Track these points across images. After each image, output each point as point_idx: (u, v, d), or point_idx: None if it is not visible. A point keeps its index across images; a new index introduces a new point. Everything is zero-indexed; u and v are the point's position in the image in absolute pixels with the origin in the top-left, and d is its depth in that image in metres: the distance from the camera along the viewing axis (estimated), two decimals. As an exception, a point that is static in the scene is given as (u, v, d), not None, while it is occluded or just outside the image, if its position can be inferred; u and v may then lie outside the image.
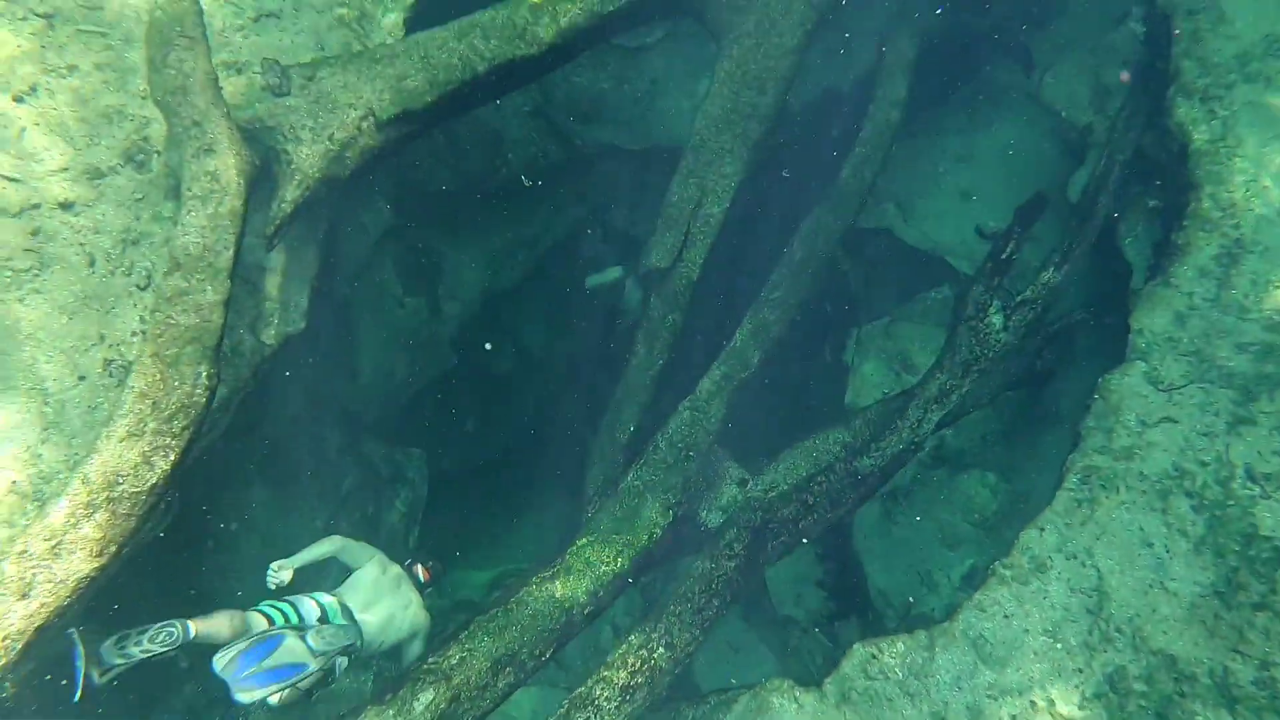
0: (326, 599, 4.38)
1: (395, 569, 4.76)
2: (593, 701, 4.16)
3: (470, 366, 8.34)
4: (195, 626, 3.75)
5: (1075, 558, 4.23)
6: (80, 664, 3.32)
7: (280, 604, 4.23)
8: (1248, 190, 4.75)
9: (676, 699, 4.85)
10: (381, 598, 4.61)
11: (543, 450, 8.70)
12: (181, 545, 5.07)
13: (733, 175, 5.13)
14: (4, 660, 2.85)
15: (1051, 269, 5.61)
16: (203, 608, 5.31)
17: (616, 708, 4.15)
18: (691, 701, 4.92)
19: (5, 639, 2.85)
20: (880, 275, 8.06)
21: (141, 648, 3.46)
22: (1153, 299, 4.87)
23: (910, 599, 6.47)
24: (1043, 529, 4.36)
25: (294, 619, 4.17)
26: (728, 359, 5.27)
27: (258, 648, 3.75)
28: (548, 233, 8.42)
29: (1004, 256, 5.65)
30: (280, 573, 4.31)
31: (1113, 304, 5.76)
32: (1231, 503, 4.12)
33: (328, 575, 5.08)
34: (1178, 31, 5.26)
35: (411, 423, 7.81)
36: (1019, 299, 5.58)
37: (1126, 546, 4.18)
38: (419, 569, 4.83)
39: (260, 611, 4.13)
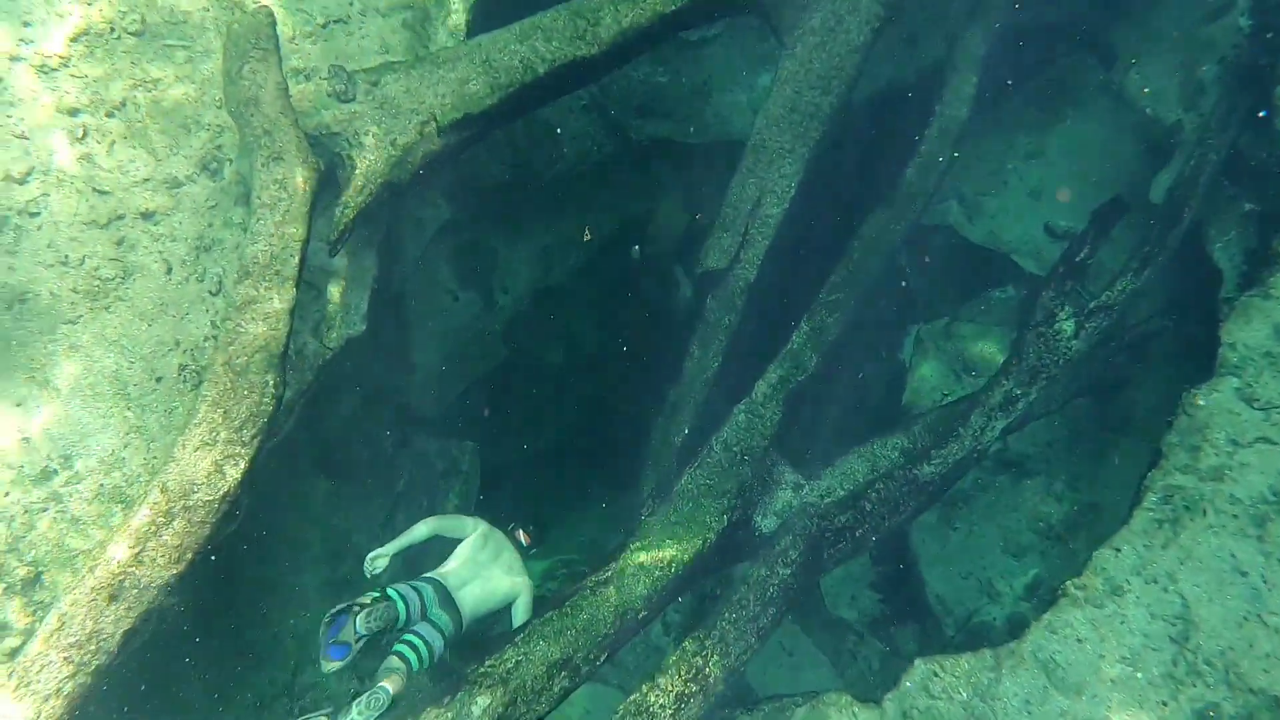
0: (424, 584, 4.57)
1: (497, 535, 5.00)
2: (647, 709, 4.15)
3: (522, 360, 8.39)
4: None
5: (1156, 582, 4.07)
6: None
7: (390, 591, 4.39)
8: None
9: (730, 704, 4.83)
10: (481, 570, 4.84)
11: (594, 443, 8.72)
12: (246, 539, 5.23)
13: (792, 175, 5.03)
14: (102, 662, 2.95)
15: (1130, 274, 5.39)
16: (265, 599, 5.49)
17: (671, 716, 4.13)
18: (746, 708, 4.89)
19: (100, 640, 2.94)
20: (940, 273, 7.85)
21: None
22: (1248, 310, 4.63)
23: (970, 608, 6.34)
24: (1119, 549, 4.21)
25: (398, 611, 4.30)
26: (784, 361, 5.18)
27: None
28: (601, 227, 8.39)
29: (1077, 260, 5.45)
30: (375, 561, 4.59)
31: (1196, 312, 5.53)
32: (1339, 532, 3.92)
33: (429, 553, 5.14)
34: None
35: (464, 416, 7.89)
36: (1093, 305, 5.37)
37: (1216, 574, 3.99)
38: (520, 534, 5.09)
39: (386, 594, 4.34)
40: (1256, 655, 3.77)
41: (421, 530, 4.87)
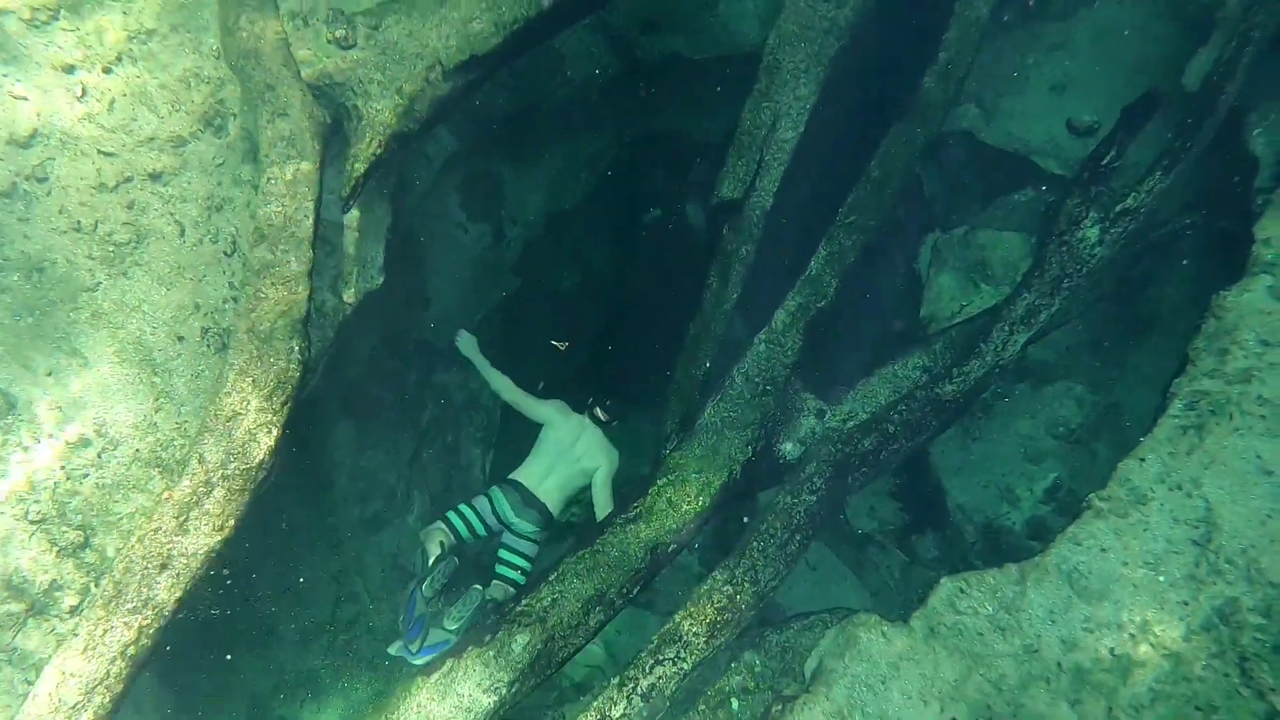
0: (496, 491, 5.42)
1: (572, 419, 5.54)
2: (680, 637, 4.31)
3: (535, 288, 8.35)
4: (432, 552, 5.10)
5: (1180, 488, 4.11)
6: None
7: (463, 509, 5.37)
8: None
9: (759, 623, 5.00)
10: (560, 458, 5.45)
11: (611, 367, 8.76)
12: (276, 484, 5.38)
13: (808, 97, 4.87)
14: (160, 624, 3.07)
15: (1159, 172, 5.19)
16: (297, 544, 5.66)
17: (705, 643, 4.29)
18: (775, 626, 5.07)
19: (155, 606, 3.06)
20: (959, 181, 7.66)
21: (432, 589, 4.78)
22: (1287, 204, 4.51)
23: (990, 514, 6.47)
24: (1143, 459, 4.24)
25: (475, 523, 5.33)
26: (803, 288, 5.13)
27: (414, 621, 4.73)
28: (610, 148, 8.21)
29: (1105, 163, 5.29)
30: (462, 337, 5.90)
31: (1227, 205, 5.37)
32: (1365, 430, 3.92)
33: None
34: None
35: (482, 347, 7.91)
36: (1119, 209, 5.23)
37: (1240, 475, 4.03)
38: (598, 412, 5.57)
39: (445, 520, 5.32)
40: (1278, 550, 3.85)
41: (498, 380, 5.75)
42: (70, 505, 3.72)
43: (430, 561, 5.11)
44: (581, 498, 5.59)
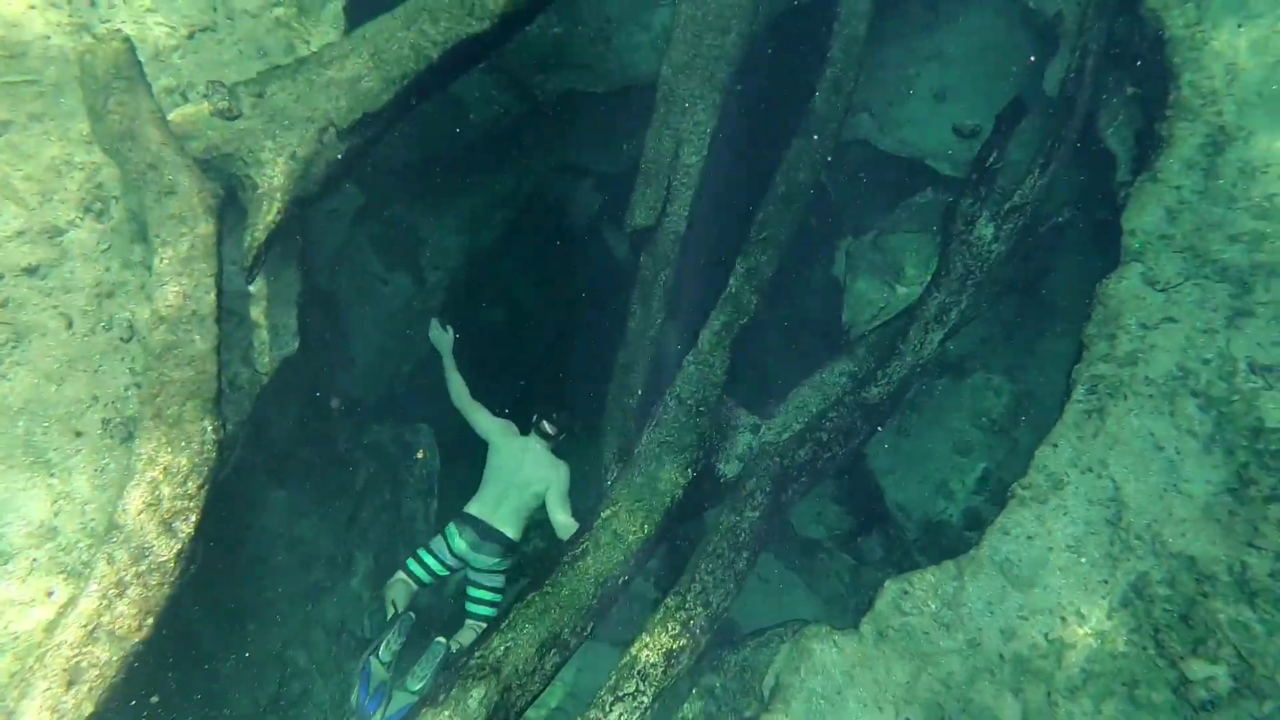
0: (451, 529, 5.43)
1: (518, 441, 5.48)
2: (638, 669, 4.29)
3: (462, 331, 8.28)
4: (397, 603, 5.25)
5: (1091, 470, 4.30)
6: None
7: (421, 554, 5.45)
8: (1227, 75, 4.63)
9: (715, 645, 5.02)
10: (510, 480, 5.40)
11: (548, 391, 8.72)
12: (210, 567, 5.20)
13: (706, 122, 4.97)
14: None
15: (1037, 170, 5.52)
16: (241, 619, 5.46)
17: (663, 673, 4.28)
18: (731, 646, 5.10)
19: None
20: (861, 186, 7.91)
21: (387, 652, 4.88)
22: (1142, 196, 4.81)
23: (927, 510, 6.63)
24: (1056, 445, 4.43)
25: (435, 566, 5.41)
26: (725, 307, 5.21)
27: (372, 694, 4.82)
28: (522, 185, 8.23)
29: (989, 165, 5.54)
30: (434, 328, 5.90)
31: (1100, 198, 5.69)
32: (1236, 398, 4.17)
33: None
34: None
35: (413, 398, 7.81)
36: (1008, 206, 5.50)
37: (1139, 453, 4.25)
38: (545, 425, 5.46)
39: (405, 569, 5.43)
40: (1175, 521, 4.05)
41: (456, 385, 5.77)
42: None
43: (388, 618, 5.12)
44: (540, 519, 5.54)
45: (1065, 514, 4.23)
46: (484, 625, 5.27)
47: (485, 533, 5.33)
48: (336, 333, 6.93)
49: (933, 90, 7.39)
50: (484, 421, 5.61)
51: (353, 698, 4.87)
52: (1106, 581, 4.00)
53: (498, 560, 5.42)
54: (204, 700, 5.13)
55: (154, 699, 4.49)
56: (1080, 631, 3.90)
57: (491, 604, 5.46)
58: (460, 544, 5.35)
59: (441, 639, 5.03)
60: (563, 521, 5.20)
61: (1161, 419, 4.26)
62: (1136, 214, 4.69)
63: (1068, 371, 4.96)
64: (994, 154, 5.40)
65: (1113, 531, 4.12)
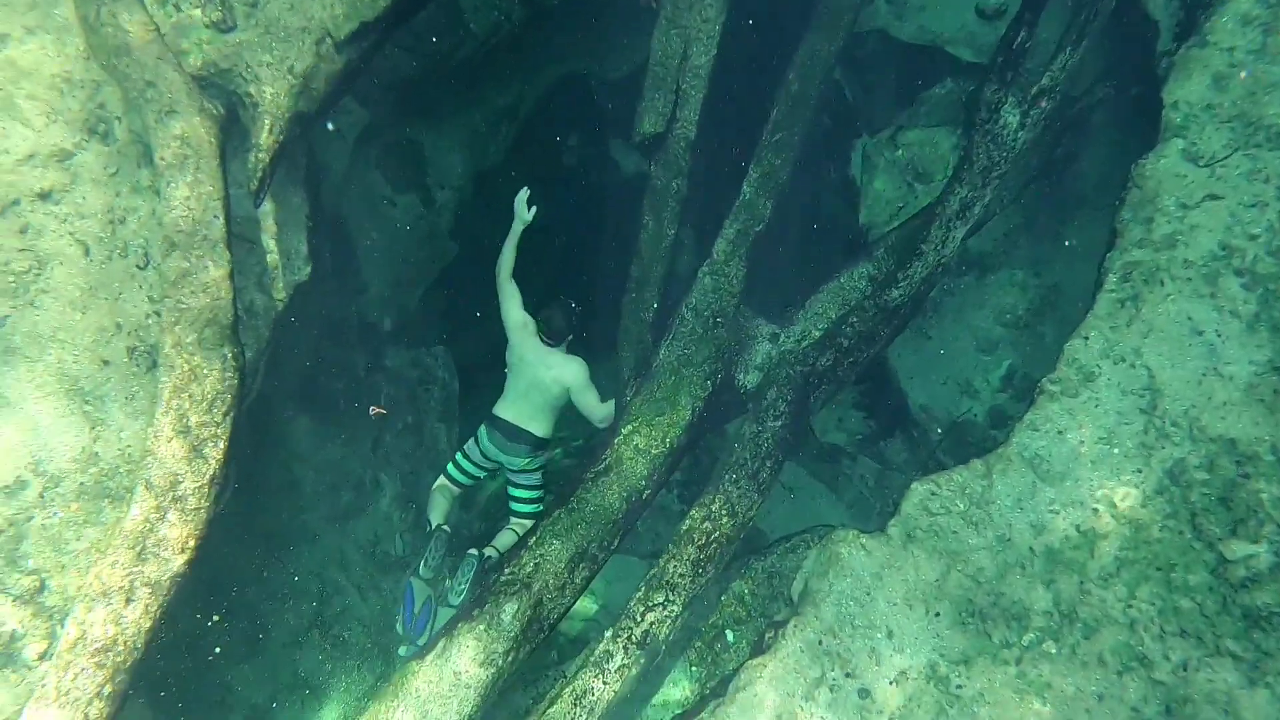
0: (482, 430, 5.53)
1: (532, 340, 5.35)
2: (667, 580, 4.35)
3: (473, 250, 8.18)
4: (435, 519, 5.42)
5: (1124, 360, 4.21)
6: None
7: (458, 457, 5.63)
8: (1294, -85, 4.30)
9: (743, 552, 5.08)
10: (531, 380, 5.33)
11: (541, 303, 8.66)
12: (243, 493, 5.30)
13: (716, 18, 4.74)
14: (132, 660, 3.00)
15: (1068, 49, 5.22)
16: (275, 547, 5.58)
17: (691, 582, 4.34)
18: (759, 553, 5.16)
19: (125, 641, 2.98)
20: (878, 80, 7.61)
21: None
22: (1187, 64, 4.53)
23: (952, 410, 6.60)
24: (1087, 337, 4.32)
25: (471, 468, 5.59)
26: (739, 214, 5.09)
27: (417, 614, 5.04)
28: (526, 97, 7.97)
29: (1016, 46, 5.27)
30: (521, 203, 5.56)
31: (1135, 72, 5.41)
32: (1286, 272, 4.02)
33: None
34: None
35: (427, 321, 7.77)
36: (1035, 90, 5.24)
37: (1176, 339, 4.13)
38: (543, 336, 5.32)
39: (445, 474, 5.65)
40: (1214, 405, 3.97)
41: (505, 258, 5.63)
42: (18, 551, 3.59)
43: (426, 532, 5.32)
44: (571, 414, 5.54)
45: (1097, 406, 4.17)
46: (525, 525, 5.40)
47: (512, 433, 5.34)
48: (348, 257, 6.85)
49: (954, -31, 7.00)
50: (512, 310, 5.48)
51: (398, 623, 5.01)
52: (1140, 470, 3.97)
53: (528, 459, 5.45)
54: (250, 621, 5.30)
55: (213, 619, 4.66)
56: (1113, 520, 3.89)
57: (530, 501, 5.56)
58: (489, 445, 5.42)
59: (473, 551, 5.13)
60: (595, 412, 5.21)
61: (1201, 302, 4.13)
62: (1180, 84, 4.43)
63: (1097, 262, 4.83)
64: (1022, 33, 5.11)
65: (1147, 420, 4.05)
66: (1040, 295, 6.65)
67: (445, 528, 5.33)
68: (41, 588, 3.57)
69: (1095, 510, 3.96)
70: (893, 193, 6.99)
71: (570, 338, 5.40)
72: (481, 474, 5.65)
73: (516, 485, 5.59)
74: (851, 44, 7.08)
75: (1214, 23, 4.49)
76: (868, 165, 7.12)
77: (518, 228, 5.50)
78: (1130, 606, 3.67)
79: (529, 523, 5.36)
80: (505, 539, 5.41)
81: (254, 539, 5.46)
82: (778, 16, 5.70)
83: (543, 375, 5.29)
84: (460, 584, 4.97)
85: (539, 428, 5.39)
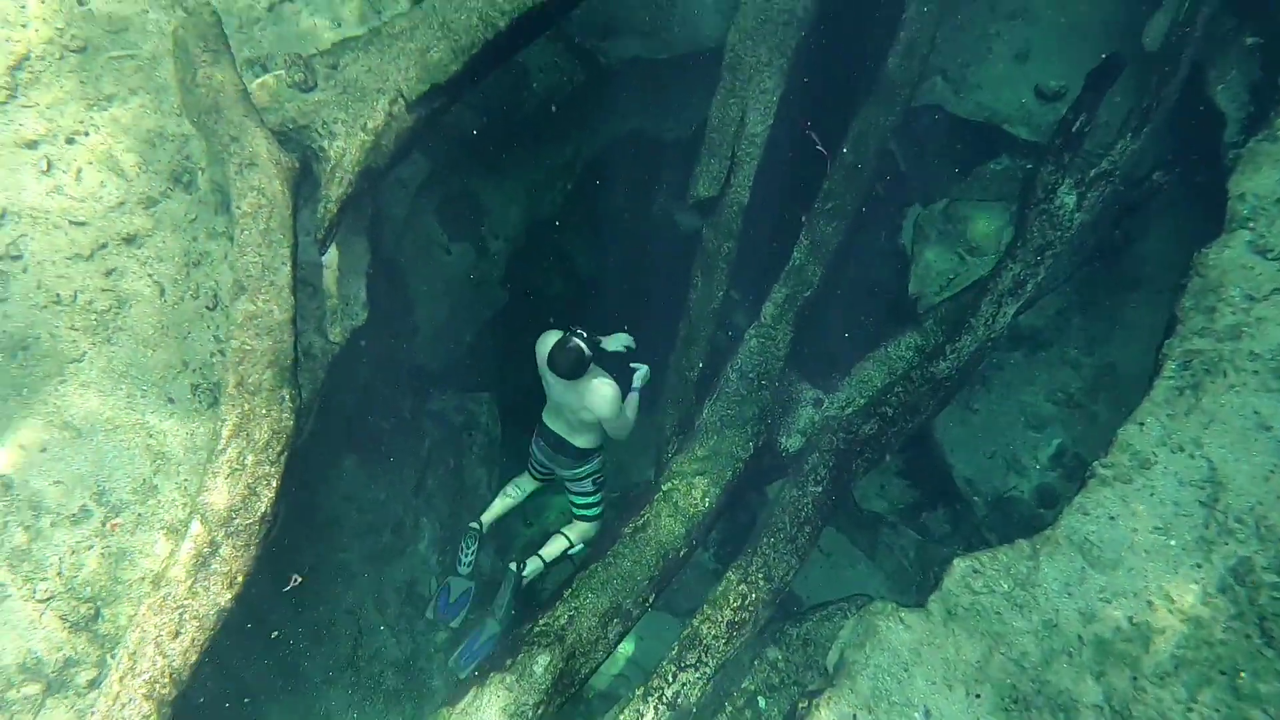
0: (537, 437, 5.37)
1: (554, 377, 4.88)
2: (700, 641, 4.32)
3: (523, 299, 8.34)
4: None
5: (1182, 450, 4.12)
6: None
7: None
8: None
9: (777, 617, 5.01)
10: (557, 401, 5.09)
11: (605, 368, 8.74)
12: (286, 527, 5.39)
13: (774, 90, 4.86)
14: (177, 692, 3.07)
15: (1129, 134, 5.25)
16: (313, 583, 5.65)
17: (725, 645, 4.30)
18: (794, 619, 5.08)
19: (172, 673, 3.05)
20: (932, 153, 7.66)
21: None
22: (1256, 157, 4.50)
23: (998, 485, 6.47)
24: (1143, 423, 4.24)
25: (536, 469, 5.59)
26: (789, 279, 5.14)
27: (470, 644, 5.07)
28: (583, 153, 8.19)
29: (1074, 129, 5.30)
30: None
31: (1198, 160, 5.39)
32: (1357, 375, 3.92)
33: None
34: None
35: (474, 367, 7.91)
36: (1094, 173, 5.26)
37: (1241, 432, 4.03)
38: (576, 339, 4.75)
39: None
40: (1284, 505, 3.85)
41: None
42: (77, 579, 3.71)
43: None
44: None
45: (1152, 494, 4.07)
46: (576, 530, 5.44)
47: (556, 443, 5.19)
48: (401, 301, 7.04)
49: (1014, 50, 7.07)
50: (538, 348, 5.11)
51: (429, 610, 5.25)
52: (1200, 565, 3.84)
53: (577, 469, 5.29)
54: (284, 657, 5.35)
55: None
56: (1170, 616, 3.76)
57: (587, 505, 5.46)
58: (538, 455, 5.38)
59: (511, 566, 5.25)
60: (625, 435, 4.94)
61: (1270, 397, 4.02)
62: (1248, 177, 4.41)
63: (1153, 345, 4.75)
64: (1082, 116, 5.14)
65: (1208, 513, 3.94)
66: (1094, 374, 6.54)
67: (476, 525, 5.41)
68: (96, 615, 3.67)
69: (1150, 603, 3.84)
70: (944, 264, 6.98)
71: (590, 366, 4.84)
72: (541, 478, 5.62)
73: (572, 491, 5.48)
74: (909, 117, 7.19)
75: (1286, 116, 4.47)
76: (920, 235, 7.13)
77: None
78: (1191, 710, 3.52)
79: (583, 526, 5.43)
80: (554, 546, 5.43)
81: (293, 573, 5.53)
82: (833, 87, 5.81)
83: (573, 402, 4.99)
84: (501, 600, 5.05)
85: (581, 441, 5.17)
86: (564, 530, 5.55)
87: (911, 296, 6.98)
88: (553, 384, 4.99)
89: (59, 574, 3.71)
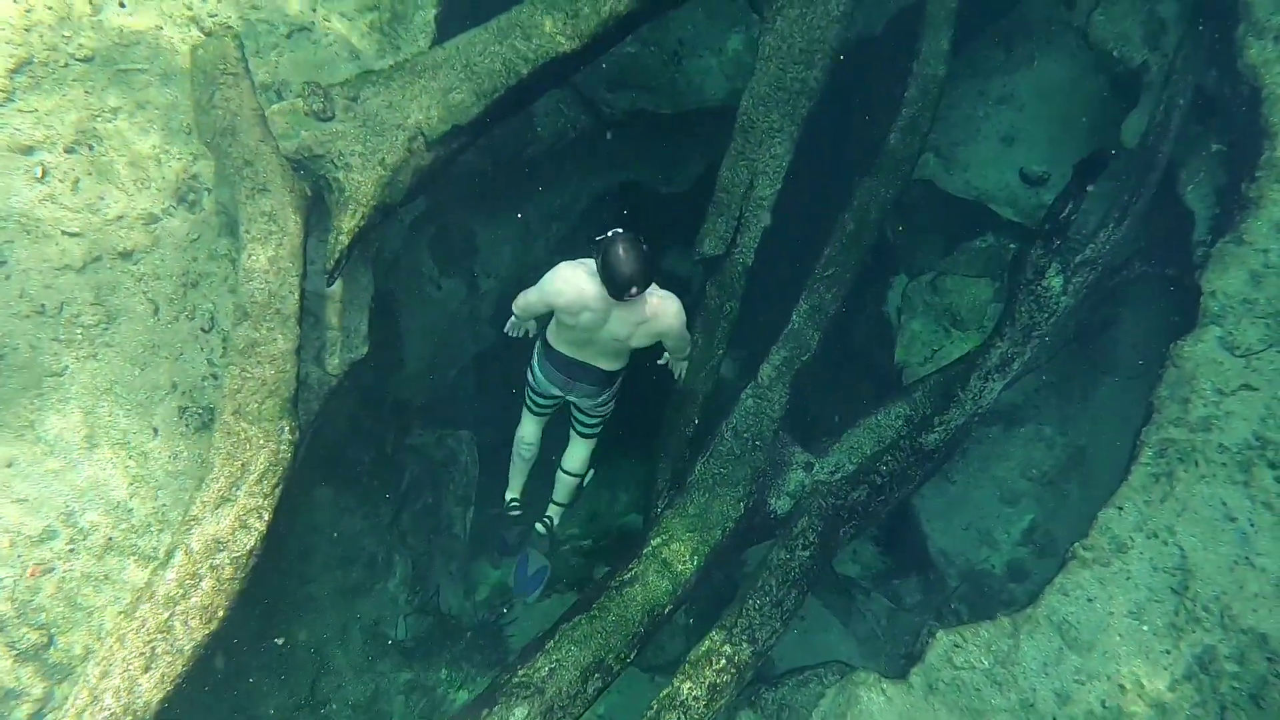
0: (536, 365, 4.93)
1: (599, 306, 4.13)
2: (680, 702, 4.25)
3: (508, 338, 8.31)
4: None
5: (1157, 536, 4.22)
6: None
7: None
8: (1328, 141, 4.55)
9: (754, 681, 4.95)
10: (589, 332, 4.31)
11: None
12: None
13: (783, 155, 4.96)
14: (137, 731, 2.93)
15: (1111, 225, 5.46)
16: (277, 616, 5.48)
17: (705, 706, 4.24)
18: (768, 683, 5.03)
19: (136, 711, 2.92)
20: (920, 226, 7.86)
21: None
22: (1225, 258, 4.72)
23: (971, 558, 6.53)
24: (1121, 507, 4.34)
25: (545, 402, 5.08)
26: (787, 342, 5.20)
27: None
28: (581, 198, 8.26)
29: (1063, 216, 5.49)
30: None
31: (1171, 254, 5.60)
32: (1316, 473, 4.07)
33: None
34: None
35: (457, 403, 7.83)
36: (1079, 259, 5.44)
37: (1209, 522, 4.15)
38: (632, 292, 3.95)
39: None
40: (1246, 596, 3.95)
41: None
42: (31, 603, 3.56)
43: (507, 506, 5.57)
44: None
45: (1128, 579, 4.15)
46: (579, 454, 5.22)
47: (573, 370, 4.51)
48: (390, 333, 6.97)
49: (1001, 134, 7.34)
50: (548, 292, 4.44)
51: (511, 579, 5.52)
52: (1169, 652, 3.91)
53: (602, 394, 4.70)
54: (240, 692, 5.15)
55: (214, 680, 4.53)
56: (1140, 701, 3.81)
57: (596, 424, 5.00)
58: (544, 382, 4.70)
59: (539, 528, 5.45)
60: (682, 350, 4.57)
61: (1235, 489, 4.17)
62: (1218, 275, 4.61)
63: (1123, 429, 4.88)
64: (1070, 205, 5.33)
65: (1178, 601, 4.03)
66: (1067, 454, 6.67)
67: (515, 500, 5.45)
68: (48, 643, 3.52)
69: (1122, 687, 3.89)
70: (929, 335, 7.12)
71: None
72: (547, 408, 5.04)
73: (583, 411, 4.92)
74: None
75: (1250, 224, 4.69)
76: (907, 306, 7.28)
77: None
78: (1157, 797, 3.56)
79: (583, 452, 5.15)
80: (565, 488, 5.37)
81: (256, 605, 5.37)
82: (832, 158, 5.96)
83: (621, 326, 4.19)
84: (540, 558, 5.38)
85: (614, 364, 4.50)
86: (566, 468, 5.26)
87: (898, 364, 7.10)
88: (595, 311, 4.10)
89: (11, 598, 3.55)
